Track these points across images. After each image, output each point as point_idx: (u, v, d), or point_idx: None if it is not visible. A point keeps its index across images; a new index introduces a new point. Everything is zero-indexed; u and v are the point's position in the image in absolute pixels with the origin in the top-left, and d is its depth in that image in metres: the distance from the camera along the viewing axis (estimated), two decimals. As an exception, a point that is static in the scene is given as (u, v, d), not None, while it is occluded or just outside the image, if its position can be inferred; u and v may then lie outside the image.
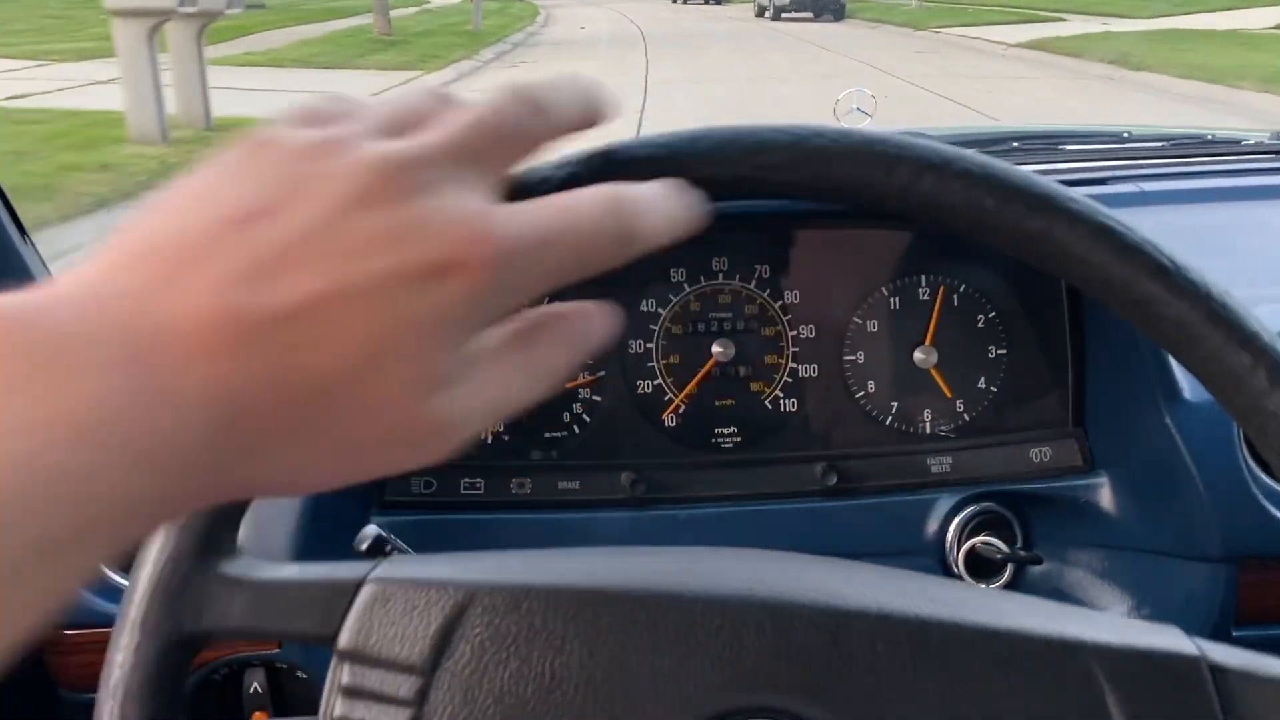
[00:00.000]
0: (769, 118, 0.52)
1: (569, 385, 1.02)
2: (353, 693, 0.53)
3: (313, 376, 0.31)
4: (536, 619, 0.53)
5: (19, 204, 1.10)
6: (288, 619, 0.54)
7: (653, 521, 1.00)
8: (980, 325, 1.03)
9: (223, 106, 9.41)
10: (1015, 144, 1.29)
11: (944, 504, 1.01)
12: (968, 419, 1.04)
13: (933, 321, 1.02)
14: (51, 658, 0.98)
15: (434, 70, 14.90)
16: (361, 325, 0.32)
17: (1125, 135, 1.36)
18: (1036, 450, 1.02)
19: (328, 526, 0.91)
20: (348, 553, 0.83)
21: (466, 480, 1.01)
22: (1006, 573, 1.01)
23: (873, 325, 1.03)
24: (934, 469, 1.02)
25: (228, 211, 0.32)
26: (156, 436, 0.30)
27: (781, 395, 1.03)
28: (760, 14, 31.18)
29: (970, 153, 0.49)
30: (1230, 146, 1.32)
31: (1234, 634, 0.94)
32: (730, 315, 1.03)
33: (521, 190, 0.40)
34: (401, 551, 0.83)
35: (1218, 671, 0.52)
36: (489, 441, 1.03)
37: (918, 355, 1.03)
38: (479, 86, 13.62)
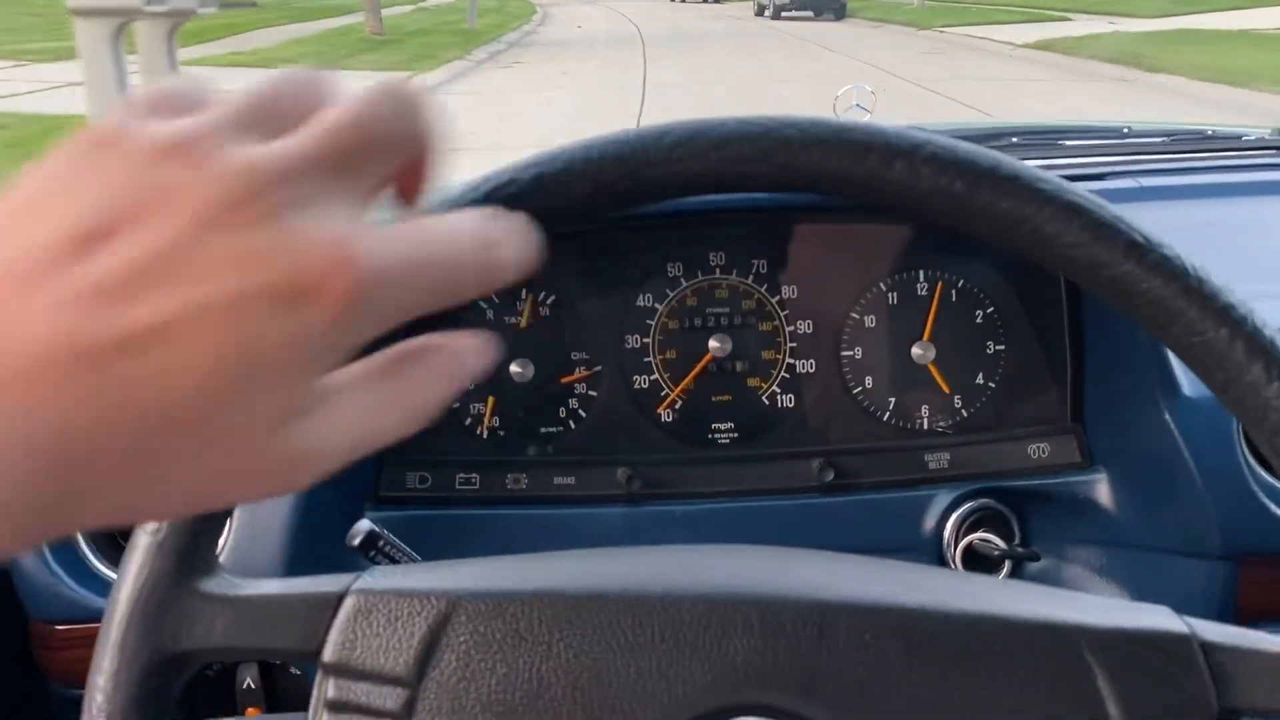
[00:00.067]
0: (769, 120, 0.52)
1: (565, 380, 1.04)
2: (339, 706, 0.53)
3: (156, 409, 0.29)
4: (521, 625, 0.53)
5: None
6: (270, 635, 0.54)
7: (649, 517, 1.01)
8: (978, 321, 1.04)
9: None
10: (1015, 139, 1.31)
11: (941, 500, 1.02)
12: (965, 415, 1.05)
13: (931, 317, 1.04)
14: (42, 653, 1.00)
15: (426, 70, 14.79)
16: (213, 353, 0.30)
17: (1125, 131, 1.38)
18: (1034, 446, 1.04)
19: (320, 521, 0.92)
20: (341, 548, 0.85)
21: (462, 475, 1.03)
22: (1004, 569, 1.03)
23: (870, 320, 1.04)
24: (931, 465, 1.04)
25: (65, 227, 0.30)
26: None
27: (778, 391, 1.05)
28: (760, 12, 31.21)
29: (941, 137, 0.50)
30: (1230, 142, 1.34)
31: None
32: (727, 310, 1.04)
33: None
34: (395, 546, 0.85)
35: (1209, 648, 0.52)
36: (484, 436, 1.04)
37: (915, 351, 1.04)
38: (472, 88, 13.60)
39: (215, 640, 0.54)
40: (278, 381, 0.31)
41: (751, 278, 1.04)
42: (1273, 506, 0.93)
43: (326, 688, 0.53)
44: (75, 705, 0.57)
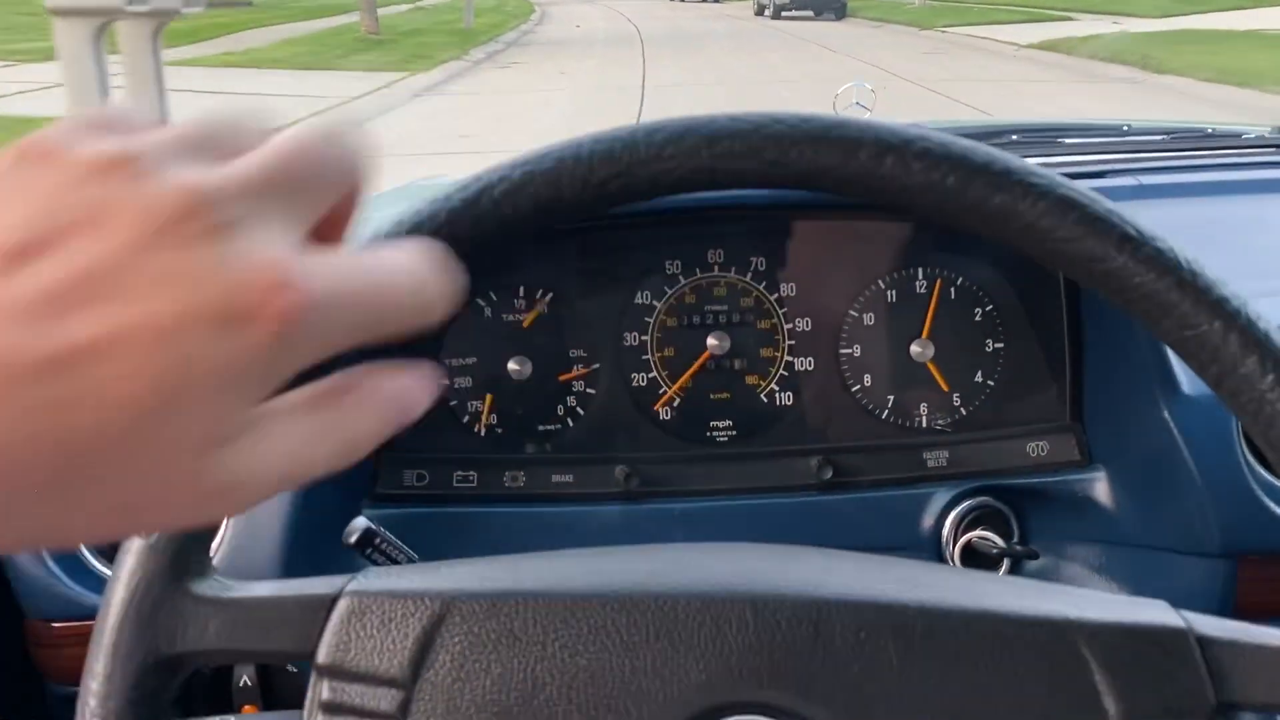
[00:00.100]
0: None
1: (563, 378, 1.05)
2: (333, 708, 0.53)
3: (85, 428, 0.29)
4: (515, 625, 0.54)
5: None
6: (263, 637, 0.55)
7: (646, 515, 1.02)
8: (978, 319, 1.05)
9: (187, 113, 9.30)
10: (1014, 137, 1.32)
11: (940, 498, 1.03)
12: (964, 413, 1.06)
13: (930, 315, 1.05)
14: (38, 651, 1.00)
15: (421, 71, 14.85)
16: (143, 375, 0.29)
17: (1125, 129, 1.39)
18: (1033, 444, 1.05)
19: (317, 520, 0.93)
20: (338, 546, 0.86)
21: (459, 473, 1.04)
22: (1002, 567, 1.04)
23: (869, 318, 1.05)
24: (930, 463, 1.05)
25: None
26: None
27: (777, 388, 1.06)
28: (760, 12, 31.26)
29: (933, 132, 0.50)
30: (1230, 140, 1.35)
31: None
32: (725, 308, 1.05)
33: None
34: (391, 544, 0.86)
35: (1205, 643, 0.53)
36: (482, 434, 1.05)
37: (914, 348, 1.05)
38: (469, 88, 13.59)
39: (209, 643, 0.54)
40: (209, 405, 0.31)
41: (750, 275, 1.05)
42: (1272, 505, 0.94)
43: (321, 689, 0.54)
44: (72, 703, 0.57)
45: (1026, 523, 1.05)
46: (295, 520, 0.92)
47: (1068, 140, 1.33)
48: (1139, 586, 1.00)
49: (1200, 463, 0.94)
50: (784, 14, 29.57)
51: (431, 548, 0.87)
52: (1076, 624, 0.53)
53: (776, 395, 1.06)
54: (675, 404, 1.06)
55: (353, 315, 0.34)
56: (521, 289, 1.04)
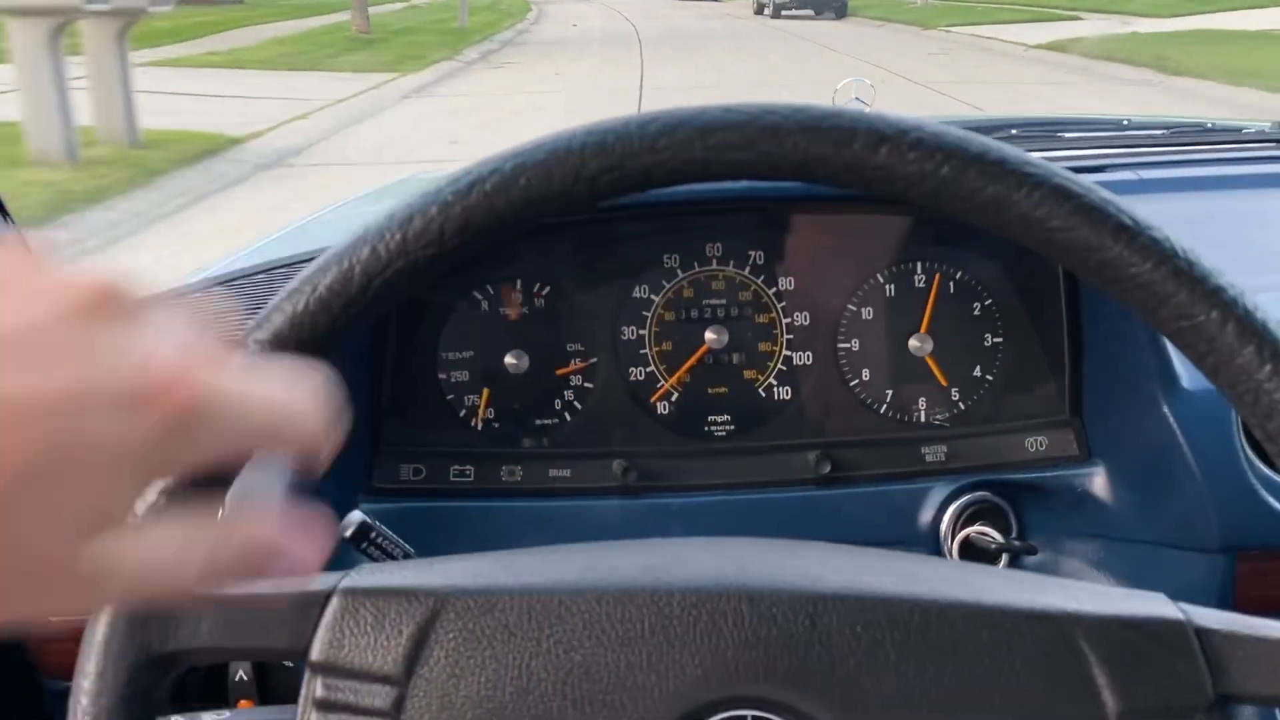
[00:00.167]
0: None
1: (560, 372, 1.07)
2: (327, 705, 0.54)
3: None
4: (510, 621, 0.54)
5: None
6: (257, 635, 0.55)
7: (644, 510, 1.05)
8: (976, 313, 1.08)
9: (162, 117, 9.06)
10: (1014, 131, 1.35)
11: (939, 493, 1.05)
12: (963, 407, 1.09)
13: (928, 309, 1.07)
14: (35, 645, 1.02)
15: (411, 72, 14.75)
16: (33, 442, 0.30)
17: (1125, 123, 1.41)
18: (1032, 439, 1.07)
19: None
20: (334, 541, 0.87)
21: (456, 467, 1.06)
22: (1001, 563, 1.06)
23: (868, 312, 1.08)
24: (929, 458, 1.07)
25: None
26: None
27: (775, 383, 1.08)
28: (759, 11, 31.33)
29: (928, 121, 0.52)
30: (1230, 134, 1.37)
31: None
32: (724, 302, 1.08)
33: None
34: (387, 538, 0.87)
35: (1204, 635, 0.53)
36: (479, 428, 1.07)
37: (913, 343, 1.08)
38: (459, 90, 13.50)
39: (202, 640, 0.55)
40: (93, 484, 0.32)
41: (748, 269, 1.07)
42: (1271, 500, 0.96)
43: (315, 686, 0.55)
44: (66, 699, 0.58)
45: (1025, 518, 1.07)
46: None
47: (1067, 135, 1.35)
48: (1138, 582, 1.02)
49: (1199, 458, 0.96)
50: (784, 13, 29.64)
51: (428, 542, 0.89)
52: (1075, 617, 0.54)
53: (775, 390, 1.08)
54: (673, 398, 1.08)
55: (242, 424, 0.36)
56: (518, 282, 1.06)
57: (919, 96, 11.77)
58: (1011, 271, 1.07)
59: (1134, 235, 0.50)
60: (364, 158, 8.75)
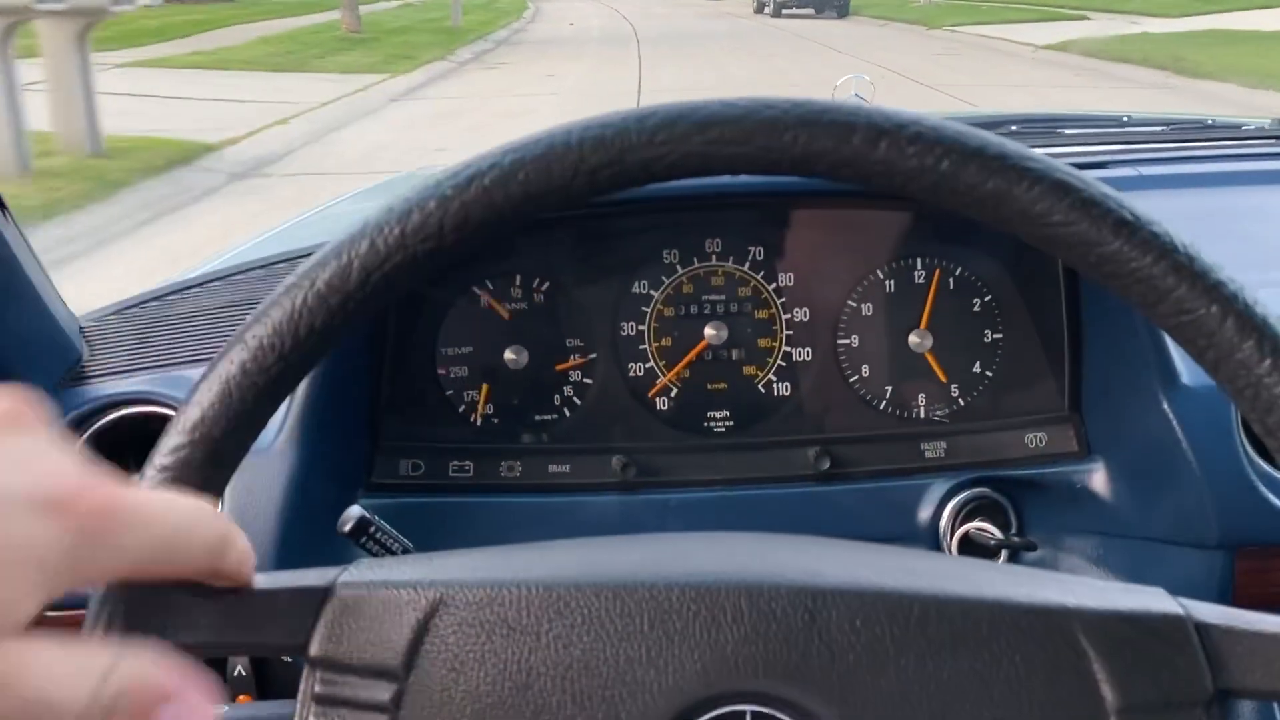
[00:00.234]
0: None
1: (560, 368, 1.10)
2: (326, 700, 0.55)
3: None
4: (509, 615, 0.55)
5: None
6: (256, 630, 0.56)
7: (643, 506, 1.07)
8: (976, 309, 1.10)
9: (134, 121, 8.86)
10: (1014, 127, 1.37)
11: (938, 489, 1.08)
12: (963, 403, 1.11)
13: (928, 305, 1.10)
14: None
15: (401, 73, 14.59)
16: None
17: (1125, 120, 1.44)
18: (1032, 435, 1.10)
19: (312, 510, 0.97)
20: (332, 534, 0.90)
21: (455, 463, 1.08)
22: (1000, 559, 1.08)
23: (867, 308, 1.10)
24: (928, 454, 1.10)
25: None
26: None
27: (774, 379, 1.11)
28: (759, 10, 31.36)
29: (928, 115, 0.53)
30: (1230, 131, 1.40)
31: None
32: (723, 297, 1.10)
33: None
34: (386, 533, 0.90)
35: (1203, 629, 0.54)
36: (478, 424, 1.10)
37: (913, 339, 1.10)
38: (449, 92, 13.33)
39: (200, 635, 0.55)
40: (3, 583, 0.33)
41: (748, 265, 1.10)
42: (1271, 497, 0.98)
43: (313, 681, 0.55)
44: None
45: (1024, 514, 1.09)
46: (290, 512, 0.96)
47: (1067, 131, 1.38)
48: (1137, 578, 1.03)
49: (1199, 454, 0.98)
50: (784, 11, 29.69)
51: (427, 538, 0.91)
52: (1074, 611, 0.55)
53: (774, 385, 1.11)
54: (672, 394, 1.11)
55: (151, 538, 0.39)
56: (518, 278, 1.09)
57: (928, 99, 11.66)
58: (1011, 268, 1.10)
59: (1134, 230, 0.51)
60: (345, 166, 8.47)
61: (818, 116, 0.52)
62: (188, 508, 0.43)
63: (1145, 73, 14.11)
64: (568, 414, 1.10)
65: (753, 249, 1.10)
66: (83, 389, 1.05)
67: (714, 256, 1.10)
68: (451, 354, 1.09)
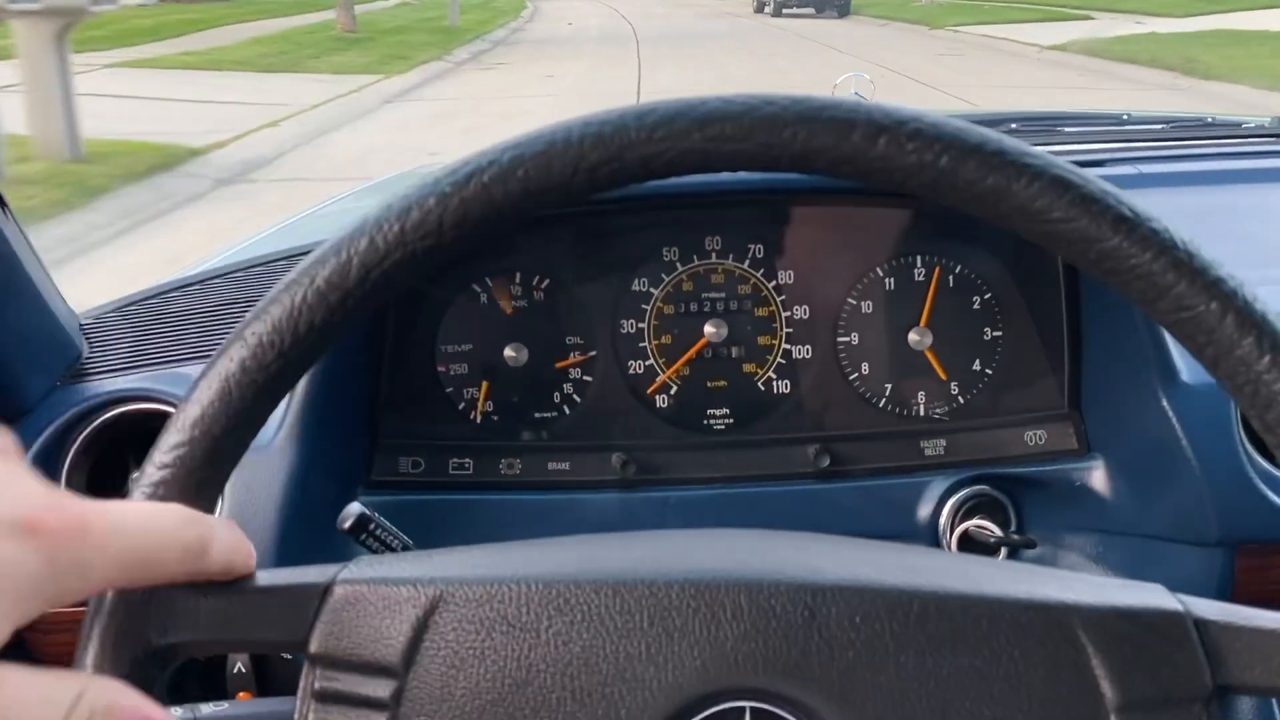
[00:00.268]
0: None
1: (559, 365, 1.11)
2: (326, 697, 0.56)
3: None
4: (509, 612, 0.56)
5: None
6: (256, 627, 0.56)
7: (643, 503, 1.09)
8: (976, 307, 1.12)
9: (119, 124, 8.70)
10: (1014, 125, 1.39)
11: (937, 487, 1.09)
12: (962, 401, 1.13)
13: (928, 303, 1.12)
14: (32, 636, 1.06)
15: (396, 74, 14.46)
16: None
17: (1125, 117, 1.45)
18: (1031, 433, 1.11)
19: (312, 507, 0.99)
20: (332, 531, 0.91)
21: (455, 460, 1.10)
22: (1000, 556, 1.09)
23: (867, 306, 1.12)
24: (928, 451, 1.11)
25: None
26: None
27: (774, 376, 1.13)
28: (759, 9, 31.39)
29: (927, 112, 0.54)
30: (1230, 129, 1.41)
31: None
32: (723, 295, 1.12)
33: None
34: (386, 529, 0.91)
35: (1202, 625, 0.54)
36: (478, 421, 1.11)
37: (912, 337, 1.12)
38: (444, 93, 13.20)
39: (200, 633, 0.55)
40: None
41: (748, 262, 1.12)
42: (1270, 495, 0.99)
43: (313, 678, 0.56)
44: None
45: (1024, 512, 1.11)
46: (290, 509, 0.98)
47: (1067, 129, 1.39)
48: (1136, 575, 1.04)
49: (1199, 452, 0.99)
50: (784, 11, 29.73)
51: (427, 535, 0.92)
52: (1073, 607, 0.55)
53: (774, 383, 1.13)
54: (672, 391, 1.12)
55: (123, 554, 0.40)
56: (518, 275, 1.10)
57: (933, 101, 11.57)
58: (1011, 265, 1.11)
59: (1134, 226, 0.51)
60: (336, 171, 8.31)
61: (817, 113, 0.53)
62: (158, 515, 0.44)
63: (1154, 74, 14.02)
64: (567, 411, 1.12)
65: (753, 246, 1.12)
66: (83, 386, 1.06)
67: (714, 254, 1.12)
68: (451, 351, 1.11)
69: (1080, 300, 1.11)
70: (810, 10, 29.64)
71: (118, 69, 13.37)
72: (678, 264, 1.11)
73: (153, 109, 10.42)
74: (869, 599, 0.55)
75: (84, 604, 0.62)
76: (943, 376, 1.13)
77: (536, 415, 1.12)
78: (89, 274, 5.77)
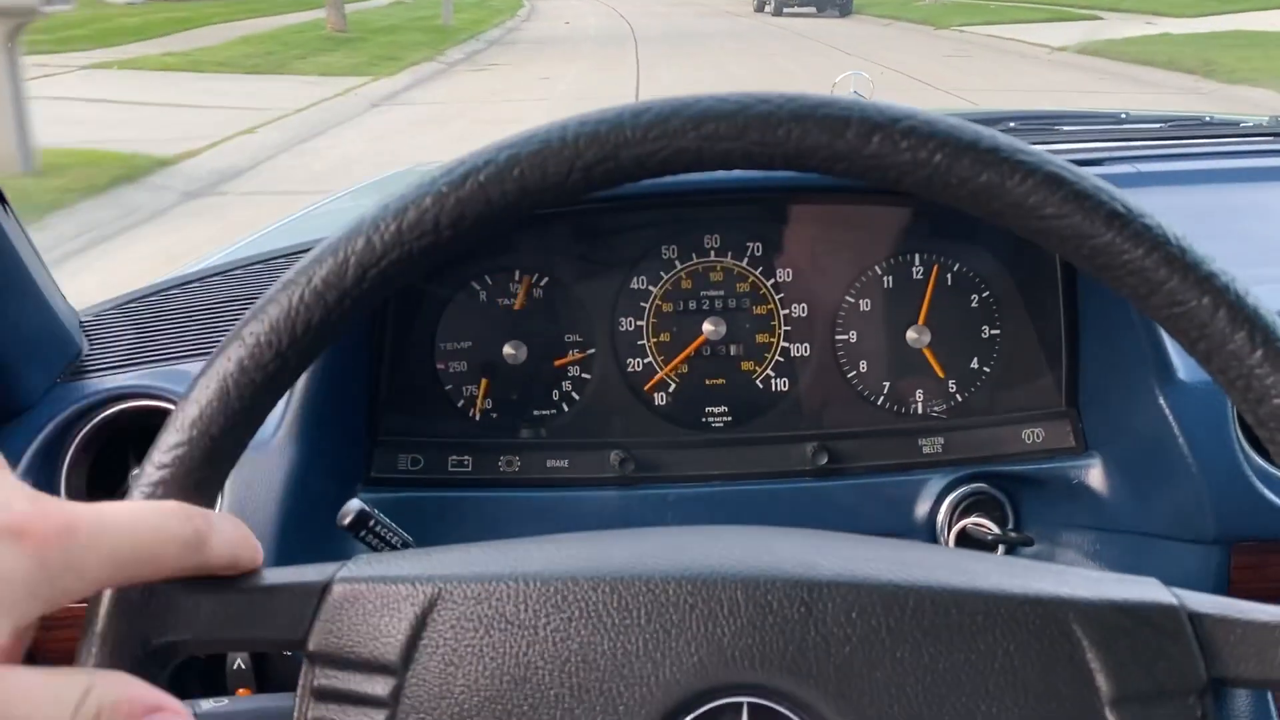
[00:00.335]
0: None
1: (558, 363, 1.14)
2: (325, 695, 0.57)
3: None
4: (507, 609, 0.56)
5: None
6: (255, 625, 0.57)
7: (641, 500, 1.11)
8: (974, 305, 1.15)
9: (85, 130, 8.46)
10: (1012, 124, 1.42)
11: (935, 485, 1.12)
12: (960, 399, 1.16)
13: (926, 301, 1.15)
14: (37, 632, 1.08)
15: (385, 75, 14.23)
16: None
17: (1123, 116, 1.48)
18: (1029, 431, 1.14)
19: (312, 504, 1.02)
20: (332, 528, 0.94)
21: (454, 457, 1.13)
22: (997, 554, 1.12)
23: (866, 304, 1.15)
24: (925, 449, 1.14)
25: None
26: None
27: (773, 374, 1.16)
28: (760, 8, 31.39)
29: (921, 109, 0.56)
30: (1229, 128, 1.44)
31: None
32: (722, 293, 1.15)
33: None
34: (385, 526, 0.93)
35: (1197, 619, 0.55)
36: (477, 418, 1.14)
37: (911, 335, 1.15)
38: (434, 96, 12.97)
39: (199, 631, 0.56)
40: None
41: (746, 260, 1.15)
42: (1267, 493, 1.01)
43: (313, 676, 0.57)
44: None
45: (1021, 509, 1.13)
46: (290, 506, 1.00)
47: (1065, 128, 1.42)
48: (1133, 573, 1.05)
49: (1195, 450, 1.02)
50: (785, 10, 29.71)
51: (426, 532, 0.95)
52: (1068, 602, 0.56)
53: (772, 381, 1.16)
54: (670, 389, 1.15)
55: (116, 553, 0.41)
56: (516, 273, 1.13)
57: (941, 104, 11.44)
58: (1009, 264, 1.14)
59: (1126, 222, 0.53)
60: (312, 183, 7.75)
61: (811, 111, 0.54)
62: (151, 512, 0.45)
63: (1174, 76, 13.80)
64: (566, 409, 1.15)
65: (751, 245, 1.14)
66: (82, 383, 1.09)
67: (712, 252, 1.15)
68: (450, 349, 1.14)
69: (1078, 299, 1.13)
70: (811, 9, 29.63)
71: (95, 70, 13.19)
72: (676, 262, 1.14)
73: (125, 113, 10.26)
74: (865, 594, 0.56)
75: (85, 602, 0.64)
76: (941, 374, 1.15)
77: (535, 413, 1.15)
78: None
